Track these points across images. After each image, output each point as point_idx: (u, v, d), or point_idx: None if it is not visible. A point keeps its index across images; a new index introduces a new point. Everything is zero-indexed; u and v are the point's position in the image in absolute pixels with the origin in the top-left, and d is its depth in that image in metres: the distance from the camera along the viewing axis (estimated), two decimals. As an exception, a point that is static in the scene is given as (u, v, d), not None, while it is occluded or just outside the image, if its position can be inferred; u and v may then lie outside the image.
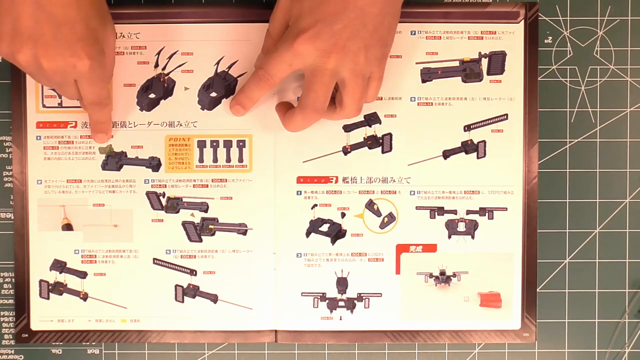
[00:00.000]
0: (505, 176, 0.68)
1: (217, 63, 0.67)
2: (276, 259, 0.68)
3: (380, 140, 0.67)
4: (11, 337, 0.68)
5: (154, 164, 0.67)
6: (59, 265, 0.67)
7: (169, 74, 0.67)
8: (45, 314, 0.68)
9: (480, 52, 0.67)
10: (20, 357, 0.68)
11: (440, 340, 0.68)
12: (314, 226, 0.68)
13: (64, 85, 0.60)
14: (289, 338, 0.68)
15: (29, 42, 0.56)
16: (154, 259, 0.67)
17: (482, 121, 0.67)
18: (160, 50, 0.67)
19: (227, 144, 0.67)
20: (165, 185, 0.67)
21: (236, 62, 0.67)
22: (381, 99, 0.67)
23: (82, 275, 0.67)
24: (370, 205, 0.68)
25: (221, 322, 0.68)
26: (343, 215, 0.68)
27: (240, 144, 0.67)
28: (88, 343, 0.68)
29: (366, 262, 0.68)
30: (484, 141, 0.67)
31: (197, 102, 0.67)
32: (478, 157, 0.67)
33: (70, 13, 0.56)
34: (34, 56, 0.56)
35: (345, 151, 0.67)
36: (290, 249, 0.67)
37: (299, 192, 0.67)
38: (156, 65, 0.67)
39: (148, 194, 0.67)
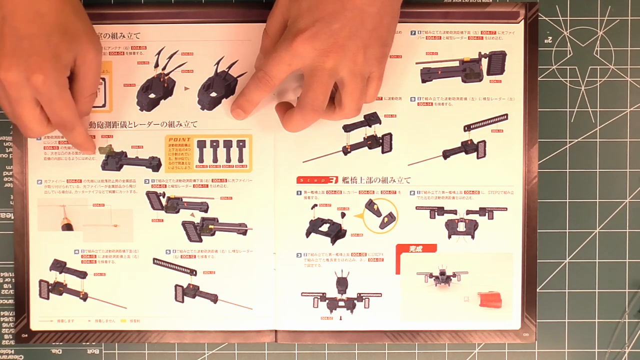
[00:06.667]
0: (505, 176, 0.68)
1: (217, 63, 0.67)
2: (276, 259, 0.68)
3: (380, 140, 0.67)
4: (11, 337, 0.68)
5: (154, 164, 0.67)
6: (59, 265, 0.67)
7: (169, 74, 0.67)
8: (45, 314, 0.68)
9: (480, 52, 0.67)
10: (20, 357, 0.68)
11: (440, 340, 0.68)
12: (314, 226, 0.68)
13: (20, 101, 0.59)
14: (289, 338, 0.68)
15: None
16: (154, 259, 0.67)
17: (482, 121, 0.67)
18: (160, 50, 0.67)
19: (227, 144, 0.67)
20: (165, 185, 0.67)
21: (236, 62, 0.67)
22: (381, 99, 0.67)
23: (82, 275, 0.67)
24: (370, 205, 0.68)
25: (221, 322, 0.68)
26: (343, 215, 0.68)
27: (240, 144, 0.67)
28: (88, 343, 0.68)
29: (366, 262, 0.68)
30: (484, 141, 0.67)
31: (197, 102, 0.67)
32: (478, 157, 0.67)
33: (31, 28, 0.57)
34: None
35: (345, 151, 0.67)
36: (290, 249, 0.67)
37: (299, 192, 0.68)
38: (156, 65, 0.67)
39: (148, 194, 0.67)
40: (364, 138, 0.67)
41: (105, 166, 0.67)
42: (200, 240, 0.68)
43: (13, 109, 0.60)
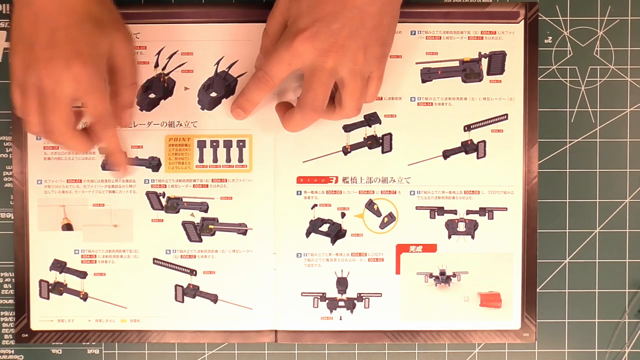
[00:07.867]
0: (505, 176, 0.68)
1: (217, 63, 0.67)
2: (276, 259, 0.68)
3: (380, 140, 0.67)
4: (11, 337, 0.68)
5: (154, 164, 0.67)
6: (59, 265, 0.67)
7: (169, 74, 0.67)
8: (45, 314, 0.68)
9: (480, 52, 0.67)
10: (20, 357, 0.68)
11: (440, 340, 0.68)
12: (314, 226, 0.68)
13: (54, 93, 0.57)
14: (289, 338, 0.68)
15: (27, 47, 0.57)
16: (154, 259, 0.67)
17: (482, 121, 0.67)
18: (160, 50, 0.67)
19: (227, 144, 0.67)
20: (165, 185, 0.67)
21: (236, 62, 0.67)
22: (381, 99, 0.67)
23: (82, 275, 0.67)
24: (370, 205, 0.68)
25: (221, 322, 0.68)
26: (343, 215, 0.68)
27: (240, 144, 0.67)
28: (88, 343, 0.68)
29: (366, 262, 0.68)
30: (484, 141, 0.67)
31: (197, 102, 0.67)
32: (478, 157, 0.68)
33: (63, 19, 0.57)
34: (33, 59, 0.57)
35: (345, 151, 0.67)
36: (290, 249, 0.67)
37: (299, 192, 0.68)
38: (156, 65, 0.67)
39: (148, 194, 0.67)
40: (364, 138, 0.67)
41: (105, 166, 0.67)
42: (200, 240, 0.68)
43: (44, 104, 0.58)
